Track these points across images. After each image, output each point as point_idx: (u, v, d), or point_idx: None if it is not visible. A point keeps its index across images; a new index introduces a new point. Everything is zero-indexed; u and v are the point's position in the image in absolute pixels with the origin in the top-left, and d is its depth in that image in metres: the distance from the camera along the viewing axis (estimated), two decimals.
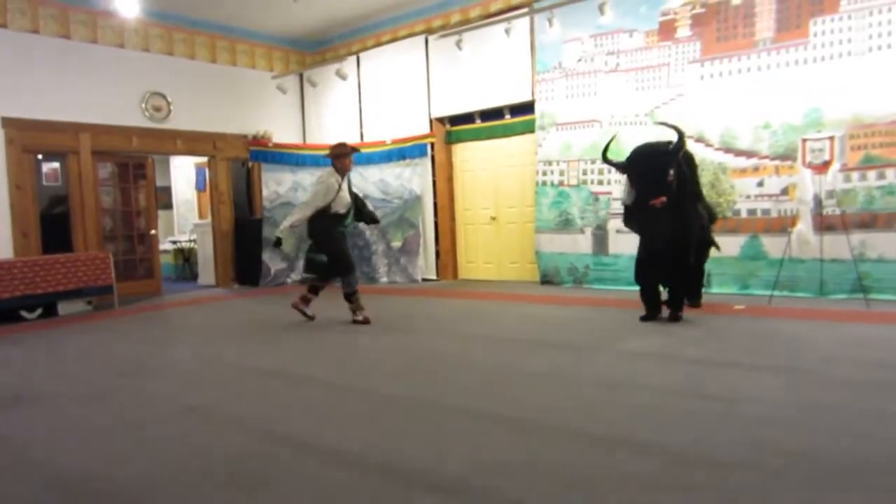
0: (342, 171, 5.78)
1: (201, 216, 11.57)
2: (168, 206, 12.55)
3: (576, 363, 4.19)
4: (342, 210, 5.76)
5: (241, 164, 10.12)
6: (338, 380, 4.06)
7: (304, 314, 6.10)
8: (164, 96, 9.02)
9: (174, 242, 11.70)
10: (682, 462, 2.50)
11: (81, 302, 7.74)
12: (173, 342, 5.93)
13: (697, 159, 6.70)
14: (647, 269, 5.39)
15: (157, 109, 8.98)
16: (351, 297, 5.90)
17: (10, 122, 7.61)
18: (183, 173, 12.33)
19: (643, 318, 5.40)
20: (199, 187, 11.72)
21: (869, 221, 5.90)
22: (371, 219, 6.26)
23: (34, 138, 7.85)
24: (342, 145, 5.89)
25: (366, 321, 5.86)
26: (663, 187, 5.03)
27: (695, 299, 5.84)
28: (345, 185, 5.81)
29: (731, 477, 2.34)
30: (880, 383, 3.38)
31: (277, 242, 5.98)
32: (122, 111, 8.62)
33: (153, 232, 9.30)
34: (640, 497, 2.22)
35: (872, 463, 2.38)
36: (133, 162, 9.08)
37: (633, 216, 5.38)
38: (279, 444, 2.93)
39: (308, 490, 2.41)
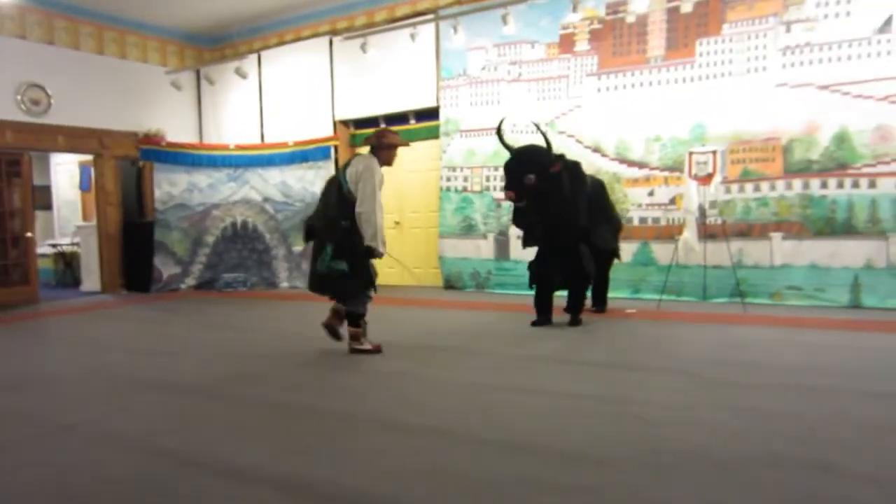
0: (386, 164, 4.68)
1: (86, 218, 10.78)
2: (48, 206, 11.61)
3: (474, 368, 4.22)
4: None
5: (132, 163, 9.54)
6: (228, 390, 3.88)
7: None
8: (43, 88, 8.36)
9: (54, 246, 10.85)
10: (577, 463, 2.57)
11: None
12: (49, 354, 5.48)
13: (593, 169, 7.02)
14: (541, 274, 5.48)
15: (36, 102, 8.31)
16: (359, 319, 4.67)
17: None
18: (65, 172, 11.46)
19: (534, 323, 5.49)
20: (84, 187, 10.93)
21: (746, 231, 6.36)
22: None
23: None
24: (396, 134, 4.83)
25: (377, 350, 4.66)
26: (518, 185, 5.12)
27: (600, 305, 6.08)
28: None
29: (623, 475, 2.43)
30: (755, 384, 3.63)
31: (372, 254, 4.51)
32: None
33: (29, 234, 8.57)
34: (536, 499, 2.26)
35: (750, 458, 2.54)
36: (6, 158, 8.33)
37: (517, 214, 5.47)
38: (165, 460, 2.75)
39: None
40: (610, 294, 6.87)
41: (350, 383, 3.96)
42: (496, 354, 4.57)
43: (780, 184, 6.21)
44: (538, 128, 5.52)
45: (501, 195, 7.65)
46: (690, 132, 6.58)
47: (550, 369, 4.13)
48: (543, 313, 5.53)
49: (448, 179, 8.10)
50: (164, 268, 9.07)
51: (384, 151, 4.63)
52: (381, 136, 4.71)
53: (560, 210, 5.21)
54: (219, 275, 9.15)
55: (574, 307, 5.53)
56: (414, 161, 8.65)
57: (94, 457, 2.84)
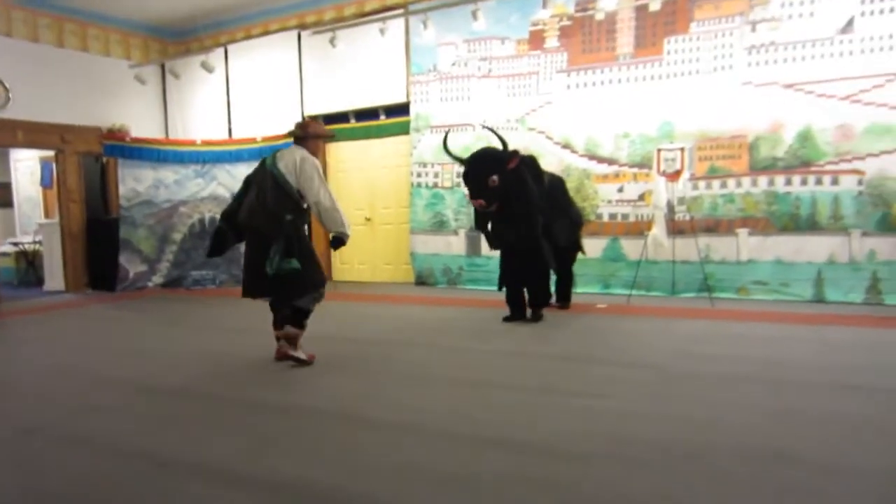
0: (316, 156, 4.40)
1: (48, 215, 10.49)
2: (7, 204, 11.27)
3: (442, 364, 4.22)
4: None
5: (95, 159, 9.30)
6: (198, 389, 3.81)
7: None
8: (1, 82, 8.09)
9: (15, 244, 10.54)
10: (547, 457, 2.58)
11: None
12: (11, 355, 5.32)
13: (563, 164, 7.06)
14: (507, 272, 5.55)
15: None
16: (304, 319, 4.29)
17: None
18: (26, 168, 11.13)
19: (506, 319, 5.55)
20: (45, 183, 10.62)
21: (713, 226, 6.46)
22: None
23: None
24: (320, 124, 4.62)
25: (310, 360, 4.28)
26: (483, 191, 5.11)
27: (564, 301, 6.12)
28: None
29: (593, 469, 2.45)
30: (722, 377, 3.69)
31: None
32: None
33: None
34: (511, 494, 2.26)
35: (716, 449, 2.59)
36: None
37: (478, 218, 5.56)
38: (135, 461, 2.69)
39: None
40: (580, 289, 6.95)
41: (319, 380, 3.92)
42: (465, 350, 4.58)
43: (746, 180, 6.32)
44: (491, 130, 5.51)
45: None
46: (659, 129, 6.66)
47: (518, 364, 4.14)
48: (515, 309, 5.57)
49: (419, 175, 8.08)
50: (131, 266, 8.87)
51: (311, 142, 4.39)
52: (307, 126, 4.48)
53: (529, 206, 5.19)
54: (187, 272, 8.99)
55: (534, 302, 5.55)
56: (384, 157, 8.61)
57: (60, 459, 2.77)
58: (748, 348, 4.34)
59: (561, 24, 7.18)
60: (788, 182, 6.15)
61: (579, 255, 6.22)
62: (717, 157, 6.43)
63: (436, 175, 7.97)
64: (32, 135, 8.51)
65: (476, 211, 5.49)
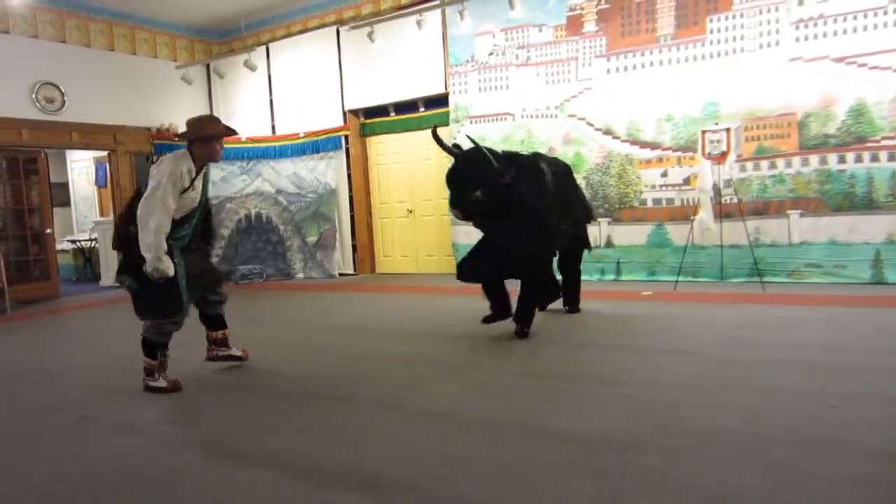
0: (202, 159, 3.76)
1: (103, 213, 10.91)
2: (66, 203, 11.76)
3: (487, 354, 4.23)
4: (183, 213, 3.69)
5: (146, 158, 9.60)
6: (249, 379, 3.92)
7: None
8: (57, 86, 8.43)
9: (73, 242, 10.99)
10: (594, 446, 2.56)
11: None
12: (70, 348, 5.56)
13: (605, 150, 6.96)
14: (487, 257, 4.60)
15: (50, 101, 8.38)
16: (155, 349, 3.76)
17: None
18: (82, 168, 11.58)
19: (487, 319, 4.68)
20: (100, 183, 11.04)
21: (762, 209, 6.28)
22: (212, 234, 4.34)
23: None
24: (209, 121, 3.83)
25: (173, 387, 3.74)
26: (463, 202, 4.34)
27: (573, 305, 5.42)
28: (200, 182, 3.78)
29: (641, 458, 2.43)
30: (776, 362, 3.60)
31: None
32: (10, 102, 7.98)
33: (48, 231, 8.68)
34: (557, 483, 2.26)
35: (767, 439, 2.52)
36: (23, 157, 8.43)
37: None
38: (188, 449, 2.80)
39: (222, 492, 2.31)
40: (625, 277, 6.85)
41: (365, 370, 3.97)
42: (508, 340, 4.57)
43: (797, 160, 6.12)
44: (474, 142, 4.47)
45: None
46: (703, 111, 6.50)
47: (562, 353, 4.12)
48: (497, 304, 4.71)
49: None
50: None
51: (200, 145, 3.72)
52: (194, 125, 3.78)
53: (529, 224, 4.42)
54: (235, 267, 9.22)
55: (522, 315, 4.62)
56: (425, 148, 8.63)
57: (117, 446, 2.90)
58: (802, 334, 4.22)
59: (599, 7, 7.06)
60: (842, 160, 5.92)
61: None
62: (765, 137, 6.24)
63: None
64: (87, 136, 8.85)
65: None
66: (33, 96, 8.22)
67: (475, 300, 6.39)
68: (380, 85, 8.68)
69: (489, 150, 4.39)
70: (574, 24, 7.23)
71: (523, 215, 4.40)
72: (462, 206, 4.37)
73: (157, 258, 3.45)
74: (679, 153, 6.66)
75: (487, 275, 4.66)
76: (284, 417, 3.19)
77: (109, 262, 9.52)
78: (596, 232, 7.13)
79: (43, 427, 3.25)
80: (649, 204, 6.85)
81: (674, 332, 4.50)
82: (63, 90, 8.47)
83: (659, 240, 6.80)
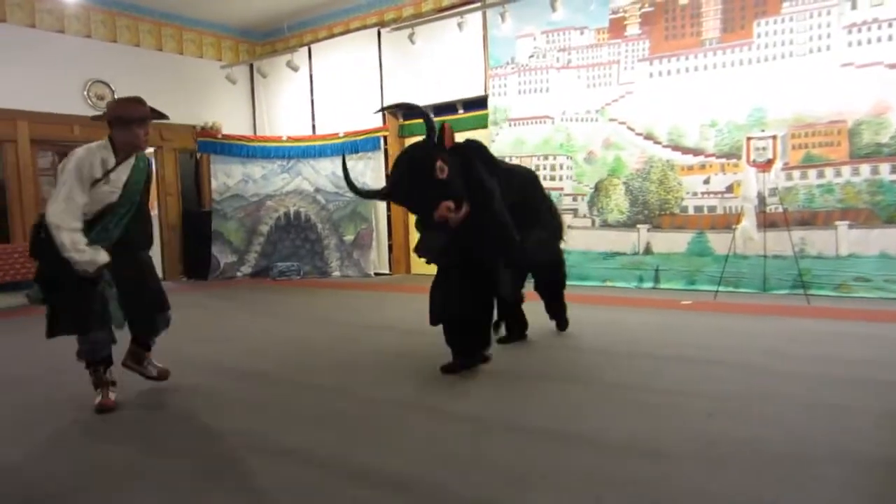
0: (125, 147, 3.29)
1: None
2: None
3: (525, 359, 4.20)
4: (97, 210, 3.20)
5: (190, 155, 9.84)
6: (284, 374, 3.97)
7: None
8: (107, 84, 8.68)
9: None
10: (633, 455, 2.52)
11: (20, 295, 7.40)
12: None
13: (646, 156, 6.86)
14: (450, 298, 3.70)
15: (101, 98, 8.63)
16: (92, 371, 3.37)
17: None
18: None
19: (447, 369, 3.77)
20: None
21: (809, 219, 6.10)
22: (149, 241, 3.65)
23: None
24: (129, 102, 3.39)
25: (101, 407, 3.28)
26: (436, 189, 3.49)
27: (562, 326, 4.84)
28: (123, 174, 3.27)
29: (680, 468, 2.38)
30: (819, 376, 3.49)
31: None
32: (63, 99, 8.26)
33: None
34: (593, 491, 2.22)
35: (809, 454, 2.45)
36: None
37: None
38: (223, 441, 2.85)
39: (254, 485, 2.34)
40: (664, 285, 6.72)
41: (401, 372, 3.98)
42: (546, 346, 4.53)
43: (847, 169, 5.92)
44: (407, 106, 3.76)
45: (551, 184, 7.58)
46: (748, 117, 6.34)
47: (598, 360, 4.06)
48: (461, 348, 3.82)
49: None
50: (222, 256, 9.35)
51: (119, 130, 3.26)
52: (112, 106, 3.38)
53: (489, 203, 3.66)
54: (273, 263, 9.37)
55: (474, 342, 3.82)
56: None
57: (174, 434, 2.97)
58: (848, 348, 4.08)
59: (642, 10, 6.96)
60: (895, 170, 5.72)
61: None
62: (814, 145, 6.06)
63: None
64: None
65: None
66: (85, 93, 8.49)
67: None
68: (419, 86, 8.71)
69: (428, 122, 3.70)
70: (616, 27, 7.14)
71: (480, 196, 3.60)
72: (438, 192, 3.43)
73: (77, 251, 3.03)
74: (723, 160, 6.52)
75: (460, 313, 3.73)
76: (312, 413, 3.22)
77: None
78: (634, 238, 7.04)
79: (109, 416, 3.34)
80: (690, 211, 6.72)
81: (713, 342, 4.40)
82: (113, 88, 8.72)
83: (700, 248, 6.66)
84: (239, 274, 9.39)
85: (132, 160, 3.33)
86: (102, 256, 3.14)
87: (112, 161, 3.23)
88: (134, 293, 3.33)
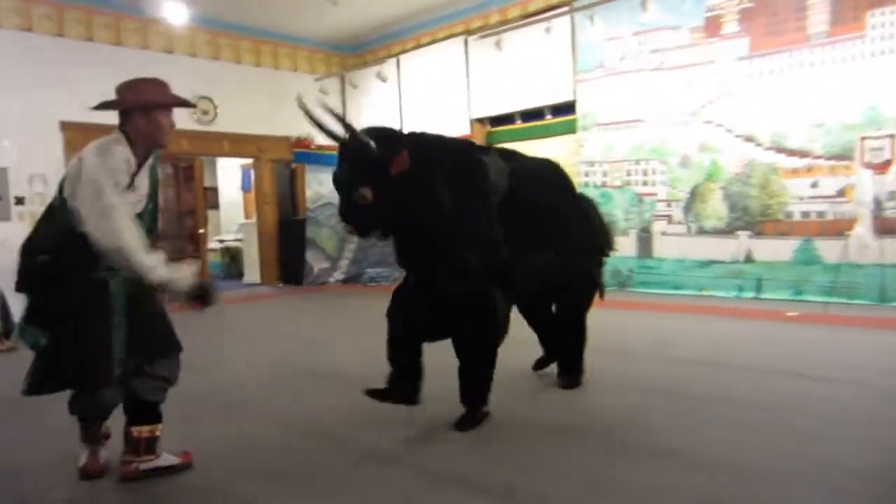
0: (145, 143, 2.62)
1: (247, 216, 11.80)
2: (215, 206, 12.84)
3: (612, 368, 4.09)
4: None
5: (285, 165, 10.27)
6: (375, 378, 4.05)
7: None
8: (210, 99, 9.21)
9: (221, 241, 11.96)
10: (737, 475, 2.41)
11: None
12: (219, 340, 6.04)
13: (747, 159, 6.53)
14: (403, 317, 3.25)
15: (205, 112, 9.18)
16: (84, 426, 2.69)
17: (68, 126, 7.85)
18: (229, 174, 12.59)
19: (379, 394, 3.11)
20: (245, 188, 11.95)
21: None
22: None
23: (90, 141, 8.10)
24: (150, 84, 2.79)
25: (86, 473, 2.64)
26: (349, 210, 3.02)
27: (575, 376, 3.73)
28: (144, 180, 2.63)
29: (788, 490, 2.25)
30: None
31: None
32: (176, 115, 8.74)
33: (202, 231, 9.50)
34: None
35: None
36: (182, 164, 9.30)
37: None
38: (316, 441, 2.95)
39: (358, 487, 2.41)
40: (768, 295, 6.36)
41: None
42: (640, 355, 4.41)
43: None
44: (337, 116, 3.16)
45: (644, 190, 7.37)
46: (862, 115, 5.92)
47: (696, 372, 3.91)
48: (401, 382, 3.14)
49: (586, 175, 7.91)
50: (315, 262, 9.69)
51: (137, 120, 2.59)
52: (128, 88, 2.65)
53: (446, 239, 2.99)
54: (363, 269, 9.62)
55: (468, 394, 3.15)
56: (551, 157, 8.53)
57: (261, 434, 3.11)
58: None
59: (741, 6, 6.64)
60: None
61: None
62: None
63: (604, 174, 7.76)
64: (235, 145, 9.61)
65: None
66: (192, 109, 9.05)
67: (600, 313, 6.23)
68: (506, 93, 8.70)
69: (379, 129, 3.13)
70: (712, 25, 6.85)
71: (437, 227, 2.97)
72: (348, 213, 2.98)
73: (170, 268, 2.46)
74: (832, 162, 6.11)
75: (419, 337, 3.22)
76: (408, 418, 3.27)
77: (252, 260, 10.26)
78: (734, 245, 6.72)
79: (200, 410, 3.53)
80: (796, 217, 6.34)
81: (824, 357, 4.13)
82: (216, 103, 9.24)
83: (807, 256, 6.27)
84: (331, 280, 9.69)
85: (151, 160, 2.65)
86: (190, 271, 2.55)
87: (134, 162, 2.51)
88: (150, 337, 2.66)
